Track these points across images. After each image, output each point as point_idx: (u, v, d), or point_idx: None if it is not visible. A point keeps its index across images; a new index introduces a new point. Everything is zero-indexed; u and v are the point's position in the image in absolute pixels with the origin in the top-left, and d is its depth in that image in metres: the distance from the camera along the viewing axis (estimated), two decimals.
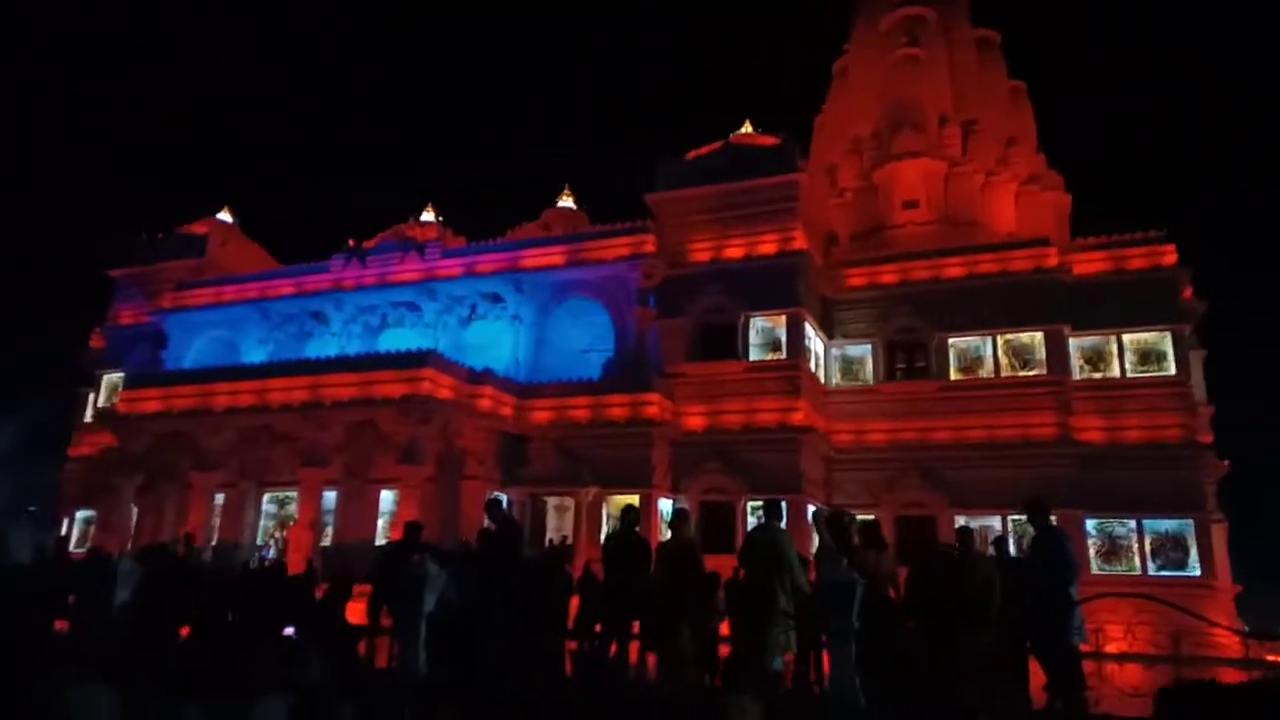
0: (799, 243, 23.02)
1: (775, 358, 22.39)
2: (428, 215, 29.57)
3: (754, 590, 8.32)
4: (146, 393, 23.00)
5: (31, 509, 27.40)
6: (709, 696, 7.59)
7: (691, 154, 25.22)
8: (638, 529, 10.24)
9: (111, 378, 28.82)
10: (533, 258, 24.74)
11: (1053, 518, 9.08)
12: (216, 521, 22.88)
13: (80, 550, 22.50)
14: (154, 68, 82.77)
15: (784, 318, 22.47)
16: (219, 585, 12.67)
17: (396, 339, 24.78)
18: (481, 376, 21.68)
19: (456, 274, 25.38)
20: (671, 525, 9.50)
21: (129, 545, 21.23)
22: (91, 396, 29.42)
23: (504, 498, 21.44)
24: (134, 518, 23.32)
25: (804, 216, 23.54)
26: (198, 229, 30.71)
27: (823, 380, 23.80)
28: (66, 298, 57.54)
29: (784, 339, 22.40)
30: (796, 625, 8.40)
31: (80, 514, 27.28)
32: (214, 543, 21.52)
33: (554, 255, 24.60)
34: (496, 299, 24.97)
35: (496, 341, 24.51)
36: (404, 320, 26.02)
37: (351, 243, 27.65)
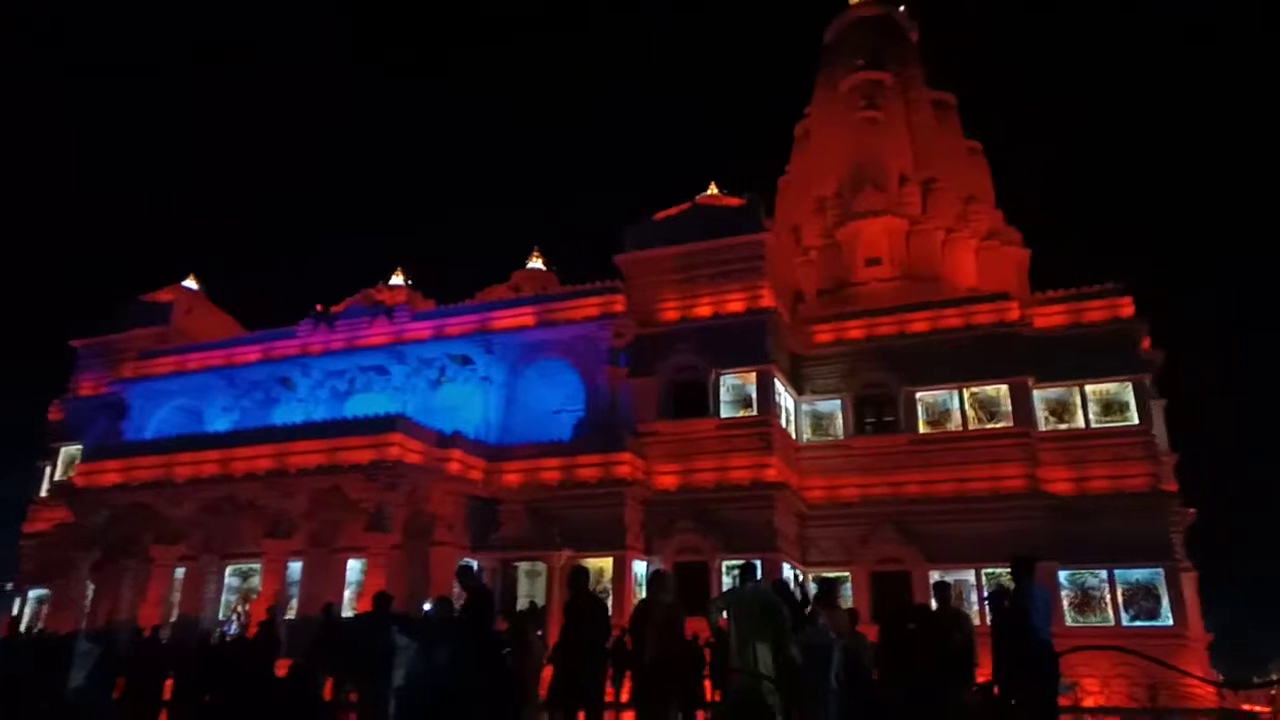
0: (767, 300, 23.29)
1: (746, 415, 22.44)
2: (397, 279, 29.56)
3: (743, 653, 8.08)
4: (106, 465, 22.45)
5: (8, 586, 26.41)
6: None
7: (659, 215, 25.60)
8: (591, 591, 10.08)
9: (70, 450, 28.12)
10: (502, 319, 24.76)
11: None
12: (177, 596, 22.17)
13: (35, 630, 21.63)
14: (122, 135, 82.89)
15: (754, 375, 22.59)
16: (182, 663, 12.25)
17: (365, 404, 24.52)
18: (451, 440, 21.46)
19: (425, 337, 25.30)
20: (653, 590, 9.23)
21: (84, 624, 20.49)
22: (49, 470, 28.65)
23: (475, 564, 21.05)
24: (90, 595, 22.53)
25: (771, 274, 23.87)
26: (163, 297, 30.41)
27: (794, 436, 23.86)
28: (26, 369, 56.45)
29: (754, 396, 22.48)
30: (780, 689, 8.21)
31: (33, 593, 26.30)
32: (173, 619, 20.82)
33: (524, 316, 24.64)
34: (466, 361, 24.88)
35: (466, 404, 24.34)
36: (372, 385, 25.79)
37: (320, 308, 27.51)
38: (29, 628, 22.71)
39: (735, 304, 23.54)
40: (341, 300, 28.83)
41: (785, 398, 23.68)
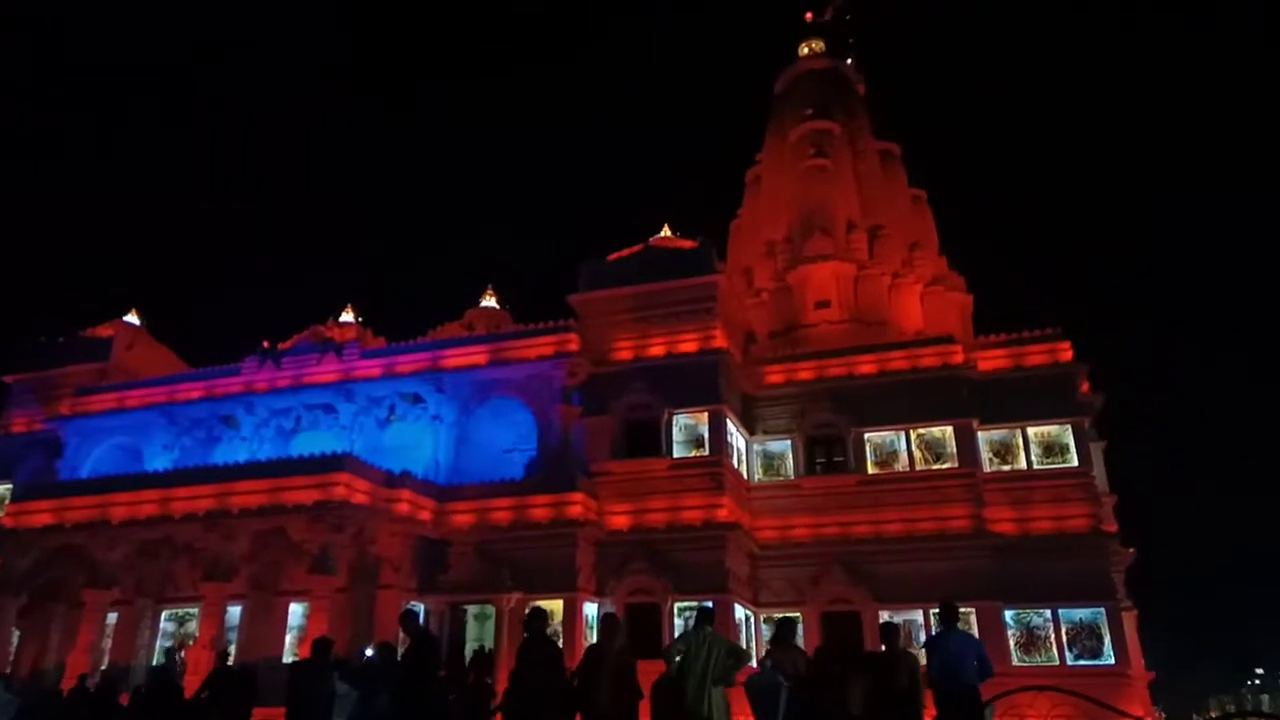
0: (719, 341, 23.55)
1: (699, 454, 22.51)
2: (347, 316, 29.20)
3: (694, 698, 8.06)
4: (37, 504, 21.60)
5: None
6: None
7: (613, 256, 25.81)
8: (545, 634, 9.98)
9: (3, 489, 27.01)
10: (454, 357, 24.59)
11: (960, 623, 9.63)
12: (108, 643, 21.28)
13: None
14: (62, 165, 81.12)
15: (706, 414, 22.73)
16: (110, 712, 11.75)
17: (312, 443, 24.02)
18: (399, 479, 21.13)
19: (375, 375, 24.99)
20: (606, 634, 9.11)
21: (7, 671, 19.53)
22: None
23: (420, 608, 20.63)
24: (15, 642, 21.52)
25: (723, 316, 24.17)
26: (102, 332, 29.60)
27: (745, 476, 23.98)
28: None
29: (707, 435, 22.59)
30: None
31: None
32: (104, 666, 19.95)
33: (476, 354, 24.52)
34: (417, 399, 24.62)
35: (416, 443, 24.03)
36: (320, 423, 25.32)
37: (266, 344, 27.02)
38: None
39: (688, 344, 23.74)
40: (290, 337, 28.39)
41: (737, 437, 23.85)
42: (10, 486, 25.74)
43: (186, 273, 78.15)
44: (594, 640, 20.39)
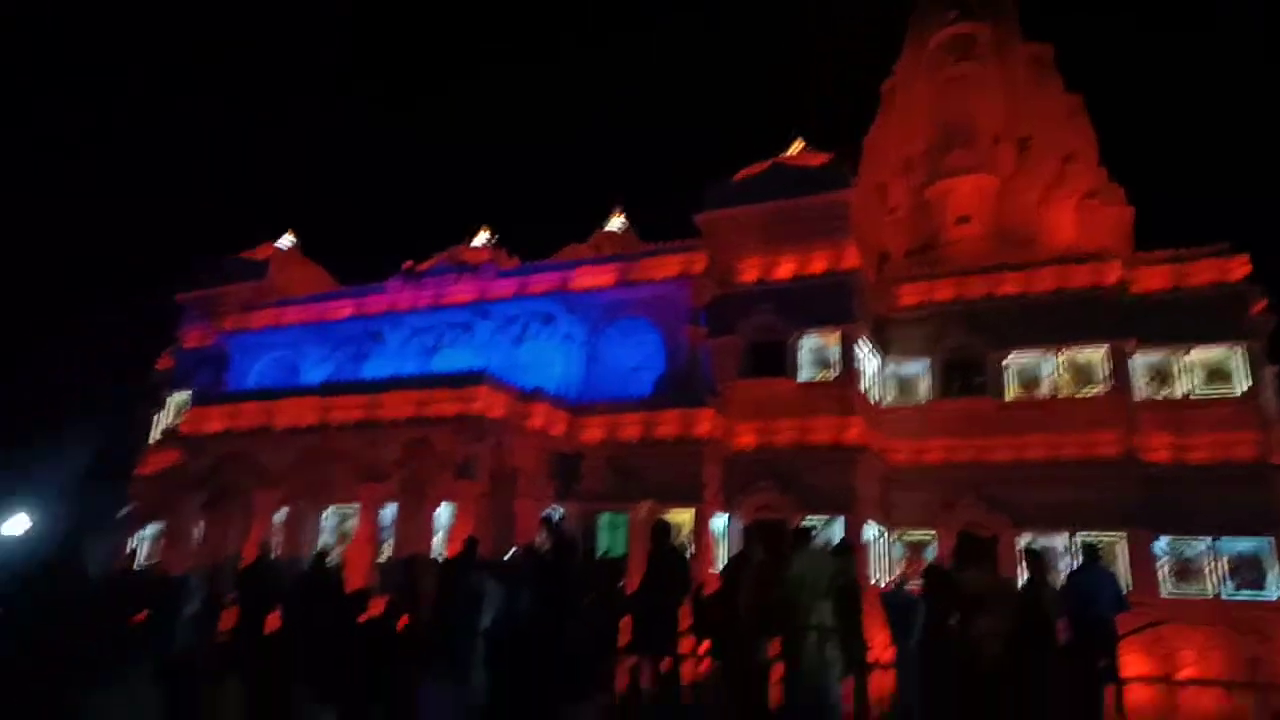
0: (851, 260, 22.86)
1: (827, 376, 22.19)
2: (481, 237, 30.03)
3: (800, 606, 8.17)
4: (211, 411, 23.66)
5: (123, 513, 28.16)
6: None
7: (741, 174, 25.29)
8: (672, 544, 10.32)
9: (178, 398, 29.73)
10: (584, 278, 24.97)
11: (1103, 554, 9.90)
12: (277, 538, 23.31)
13: (145, 566, 23.13)
14: (220, 90, 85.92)
15: (836, 336, 22.28)
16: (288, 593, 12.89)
17: (451, 359, 25.17)
18: (533, 395, 21.88)
19: (509, 295, 25.73)
20: (747, 545, 9.49)
21: (194, 561, 21.78)
22: (158, 417, 30.36)
23: (559, 512, 21.57)
24: (198, 535, 23.92)
25: (855, 234, 23.38)
26: (260, 253, 31.65)
27: (876, 399, 23.50)
28: (135, 322, 59.64)
29: (836, 357, 22.20)
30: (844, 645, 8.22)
31: (147, 530, 28.08)
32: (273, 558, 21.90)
33: (605, 275, 24.80)
34: (548, 319, 25.24)
35: (548, 360, 24.74)
36: (458, 340, 26.42)
37: (408, 265, 28.23)
38: (141, 564, 24.29)
39: (818, 264, 23.16)
40: (429, 258, 29.51)
41: (868, 359, 23.32)
42: (187, 395, 28.28)
43: (336, 192, 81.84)
44: (724, 549, 20.85)
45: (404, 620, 11.88)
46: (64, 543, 20.39)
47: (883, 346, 24.04)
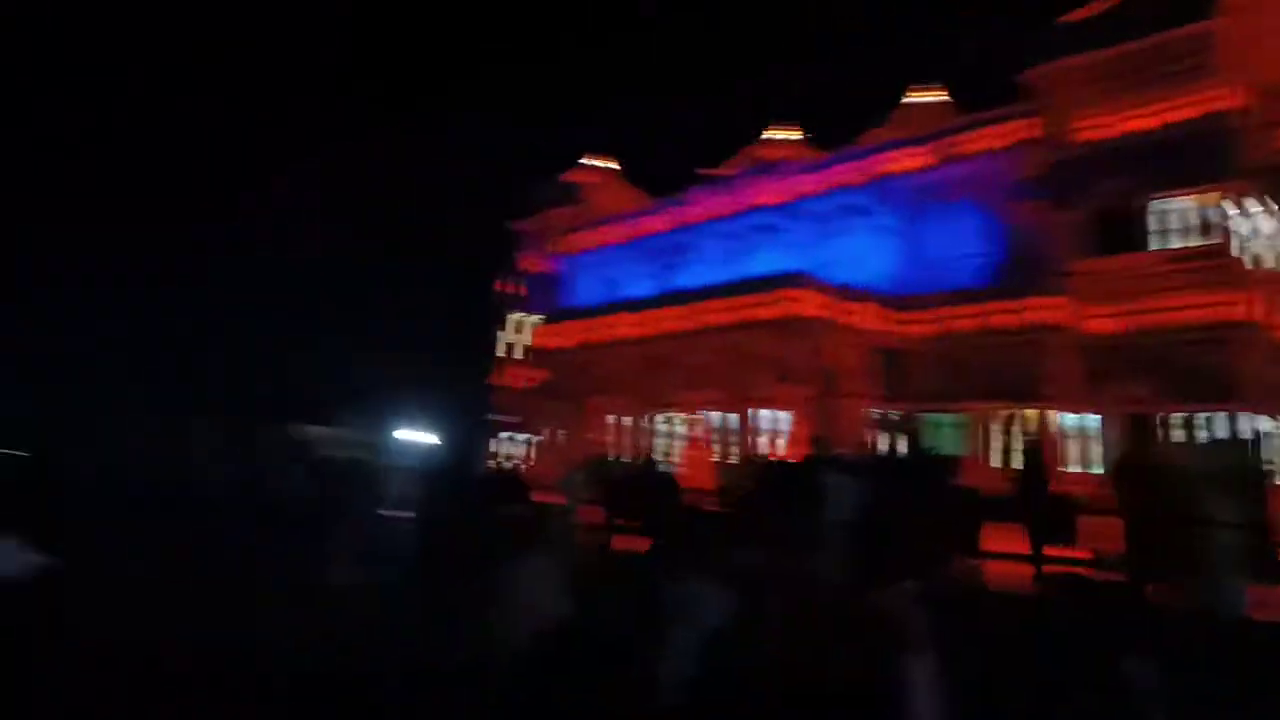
0: (1222, 102, 19.03)
1: (1197, 244, 18.98)
2: (773, 133, 29.23)
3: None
4: (555, 328, 26.10)
5: (486, 418, 32.14)
6: None
7: (1071, 16, 21.86)
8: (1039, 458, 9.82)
9: (514, 318, 33.19)
10: (895, 161, 23.47)
11: None
12: (615, 441, 25.35)
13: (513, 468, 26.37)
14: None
15: (1208, 196, 18.89)
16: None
17: (760, 263, 25.12)
18: (853, 293, 21.25)
19: (814, 190, 24.97)
20: (1132, 443, 8.72)
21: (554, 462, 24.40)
22: (499, 333, 34.21)
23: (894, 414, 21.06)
24: (553, 439, 26.71)
25: (1226, 70, 19.36)
26: (575, 177, 33.80)
27: (1271, 265, 19.75)
28: (474, 246, 66.18)
29: (1209, 221, 18.87)
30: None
31: (503, 435, 31.96)
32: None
33: (919, 156, 23.08)
34: (858, 210, 24.17)
35: (861, 255, 23.82)
36: (765, 243, 26.29)
37: (703, 171, 28.43)
38: (513, 466, 27.74)
39: (1179, 112, 19.56)
40: (720, 161, 29.42)
41: (1257, 219, 19.55)
42: (524, 315, 31.45)
43: (627, 104, 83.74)
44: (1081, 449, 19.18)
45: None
46: (462, 450, 23.88)
47: (1275, 203, 20.00)
